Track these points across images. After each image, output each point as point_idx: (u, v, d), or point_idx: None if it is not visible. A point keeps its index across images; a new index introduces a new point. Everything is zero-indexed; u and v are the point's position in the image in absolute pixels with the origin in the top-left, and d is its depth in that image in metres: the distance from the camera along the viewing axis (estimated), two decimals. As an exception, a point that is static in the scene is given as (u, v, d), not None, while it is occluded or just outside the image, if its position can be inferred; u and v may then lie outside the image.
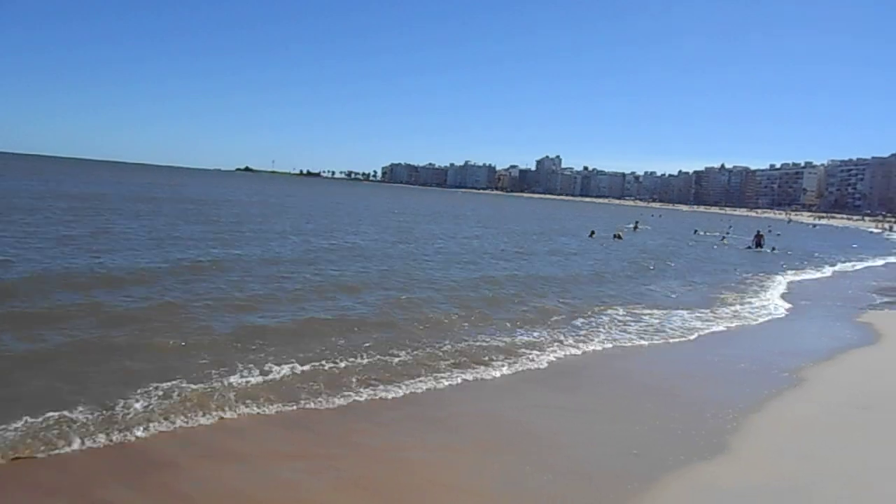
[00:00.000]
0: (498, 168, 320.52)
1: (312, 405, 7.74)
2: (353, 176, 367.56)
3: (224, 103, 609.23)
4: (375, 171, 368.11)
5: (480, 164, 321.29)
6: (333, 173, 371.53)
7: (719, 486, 6.15)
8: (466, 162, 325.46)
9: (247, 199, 61.80)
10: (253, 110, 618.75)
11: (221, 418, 7.16)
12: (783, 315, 16.39)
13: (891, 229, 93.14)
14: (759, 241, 41.99)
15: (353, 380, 8.64)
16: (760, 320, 15.33)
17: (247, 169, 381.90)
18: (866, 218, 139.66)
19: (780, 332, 14.52)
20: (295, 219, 39.92)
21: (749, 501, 5.83)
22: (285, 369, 8.80)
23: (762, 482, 6.20)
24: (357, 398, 8.04)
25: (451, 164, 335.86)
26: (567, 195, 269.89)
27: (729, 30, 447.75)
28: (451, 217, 59.05)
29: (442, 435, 7.17)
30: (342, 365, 9.24)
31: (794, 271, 28.29)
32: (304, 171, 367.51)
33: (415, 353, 10.19)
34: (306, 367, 8.96)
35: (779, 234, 55.42)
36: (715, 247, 41.52)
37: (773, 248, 40.43)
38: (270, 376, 8.53)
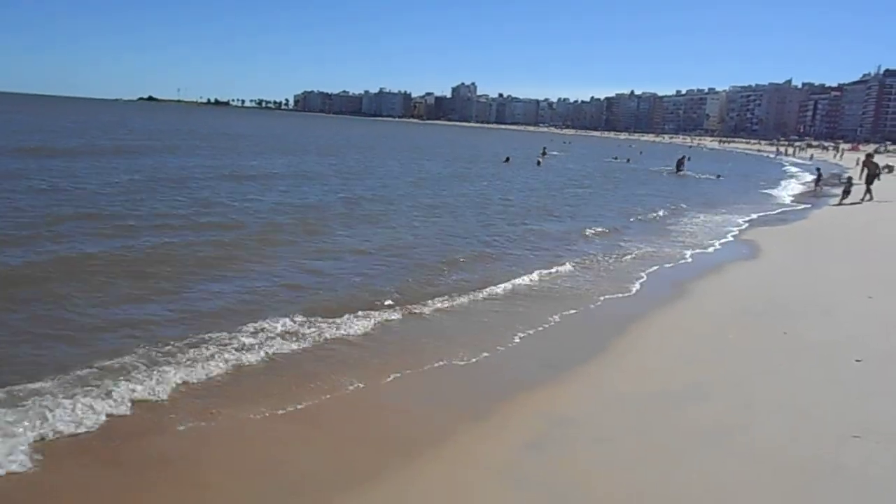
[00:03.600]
0: (414, 96, 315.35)
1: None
2: (264, 105, 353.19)
3: (122, 25, 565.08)
4: (288, 100, 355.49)
5: (396, 91, 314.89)
6: (243, 102, 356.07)
7: (617, 391, 6.29)
8: (381, 89, 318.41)
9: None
10: (156, 34, 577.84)
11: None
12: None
13: (785, 153, 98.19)
14: (679, 166, 43.71)
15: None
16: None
17: (150, 98, 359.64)
18: (762, 142, 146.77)
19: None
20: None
21: (644, 404, 5.94)
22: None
23: (657, 387, 6.35)
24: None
25: (366, 92, 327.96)
26: (482, 122, 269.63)
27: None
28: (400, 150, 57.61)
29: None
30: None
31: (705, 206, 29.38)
32: (213, 101, 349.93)
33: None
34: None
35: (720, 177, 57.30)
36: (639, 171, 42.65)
37: (719, 175, 42.38)
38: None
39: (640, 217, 20.15)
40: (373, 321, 8.01)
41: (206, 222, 14.05)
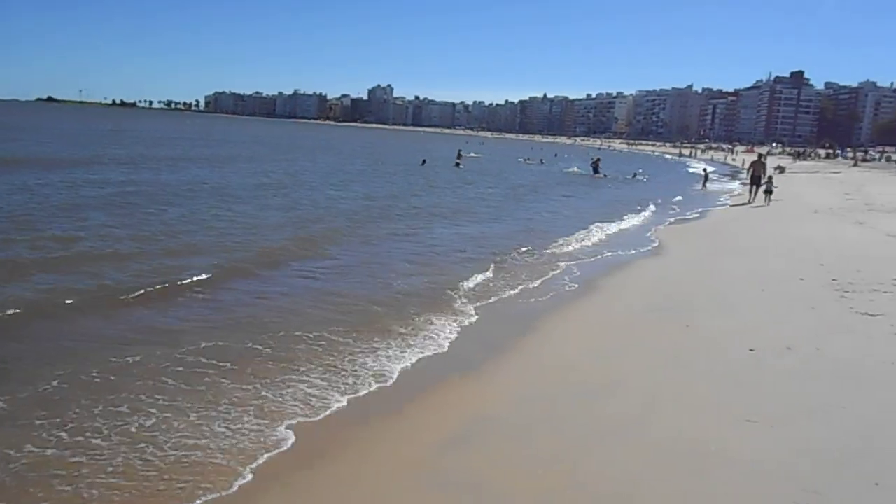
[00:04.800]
0: (329, 97, 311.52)
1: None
2: (173, 106, 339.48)
3: (16, 20, 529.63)
4: (198, 101, 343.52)
5: (311, 92, 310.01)
6: (151, 103, 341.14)
7: (533, 387, 6.47)
8: (296, 91, 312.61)
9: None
10: (54, 31, 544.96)
11: None
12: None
13: (689, 154, 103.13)
14: (595, 168, 45.06)
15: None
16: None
17: (49, 99, 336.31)
18: (667, 144, 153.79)
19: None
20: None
21: (558, 399, 6.14)
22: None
23: (571, 382, 6.57)
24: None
25: (280, 93, 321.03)
26: (399, 125, 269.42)
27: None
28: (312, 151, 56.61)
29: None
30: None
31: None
32: (118, 101, 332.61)
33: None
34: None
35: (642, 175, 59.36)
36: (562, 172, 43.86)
37: (636, 175, 44.56)
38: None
39: (565, 214, 20.84)
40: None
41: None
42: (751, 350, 7.42)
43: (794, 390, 6.27)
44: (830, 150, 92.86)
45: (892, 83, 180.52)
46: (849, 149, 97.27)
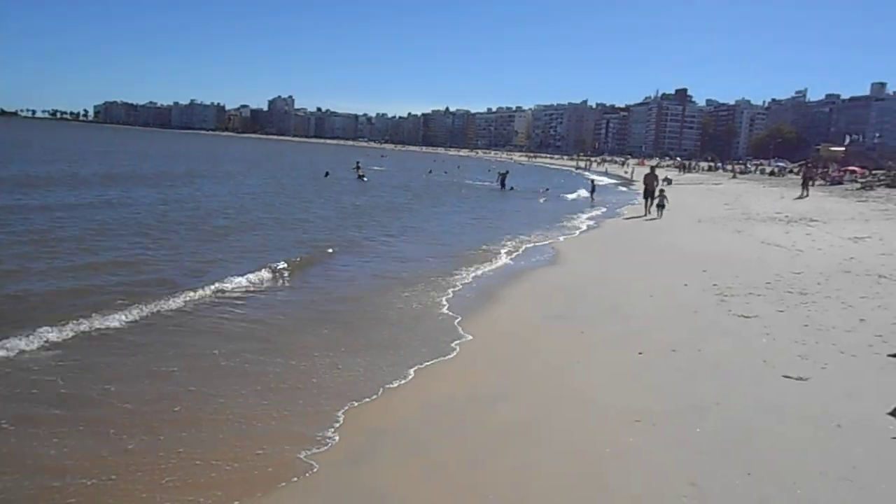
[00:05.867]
0: (228, 108, 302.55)
1: None
2: (59, 116, 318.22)
3: None
4: (87, 111, 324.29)
5: (208, 103, 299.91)
6: (34, 113, 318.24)
7: (433, 397, 6.55)
8: (192, 101, 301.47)
9: None
10: None
11: None
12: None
13: (585, 167, 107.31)
14: (503, 182, 45.69)
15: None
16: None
17: None
18: (564, 157, 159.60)
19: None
20: None
21: (458, 408, 6.25)
22: None
23: (472, 390, 6.70)
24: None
25: (176, 104, 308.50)
26: (301, 136, 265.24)
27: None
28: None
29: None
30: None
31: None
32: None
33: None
34: None
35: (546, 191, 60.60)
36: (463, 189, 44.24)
37: (547, 189, 44.75)
38: None
39: (471, 224, 21.21)
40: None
41: None
42: (640, 353, 7.86)
43: (678, 390, 6.70)
44: (712, 163, 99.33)
45: (763, 101, 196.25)
46: (728, 162, 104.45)
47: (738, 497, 4.62)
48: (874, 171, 52.91)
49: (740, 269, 13.12)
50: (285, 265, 12.51)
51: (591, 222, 25.25)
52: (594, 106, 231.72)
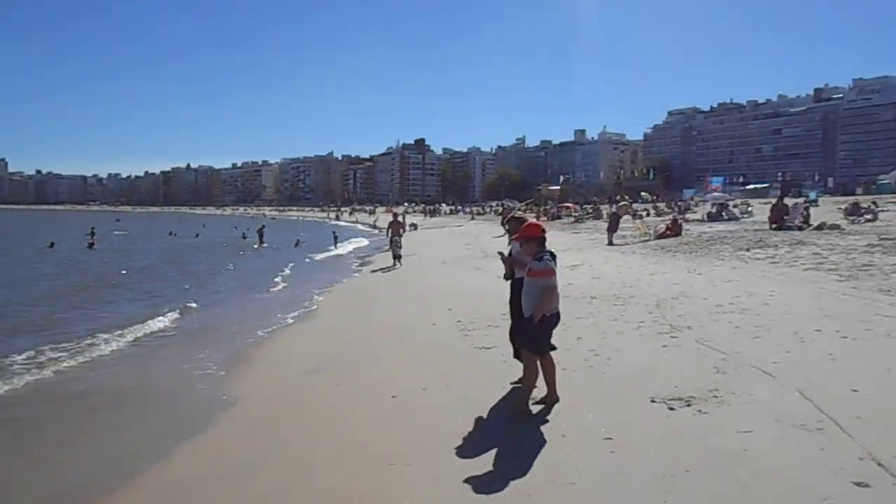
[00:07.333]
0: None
1: None
2: None
3: None
4: None
5: None
6: None
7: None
8: None
9: None
10: None
11: None
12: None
13: (335, 217, 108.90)
14: (261, 237, 45.54)
15: None
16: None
17: None
18: (315, 208, 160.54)
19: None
20: None
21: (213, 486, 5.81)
22: None
23: (221, 463, 6.27)
24: None
25: None
26: (18, 204, 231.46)
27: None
28: None
29: None
30: None
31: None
32: None
33: None
34: None
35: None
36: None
37: (298, 242, 45.14)
38: None
39: (228, 285, 20.00)
40: None
41: None
42: (393, 396, 8.10)
43: (429, 427, 7.02)
44: (453, 207, 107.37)
45: (491, 148, 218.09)
46: (467, 204, 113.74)
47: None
48: (584, 206, 61.76)
49: (479, 304, 14.18)
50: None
51: (346, 274, 25.60)
52: (340, 157, 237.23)
